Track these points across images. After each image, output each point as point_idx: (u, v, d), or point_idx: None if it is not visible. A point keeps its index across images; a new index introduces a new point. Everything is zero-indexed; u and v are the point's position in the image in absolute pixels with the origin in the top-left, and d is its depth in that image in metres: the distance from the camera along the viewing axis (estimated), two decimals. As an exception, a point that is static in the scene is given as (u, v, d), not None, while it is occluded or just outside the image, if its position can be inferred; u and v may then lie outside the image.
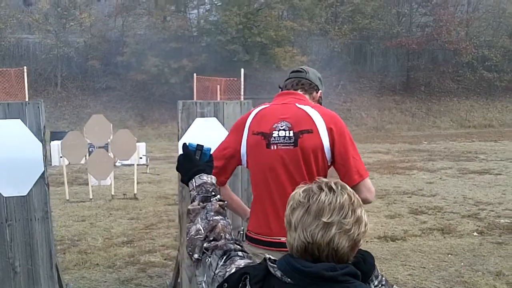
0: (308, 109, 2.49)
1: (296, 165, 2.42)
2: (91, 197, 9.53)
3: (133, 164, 10.49)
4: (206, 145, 2.08)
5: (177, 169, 2.03)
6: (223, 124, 4.22)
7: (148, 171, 13.15)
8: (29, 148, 3.94)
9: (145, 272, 5.55)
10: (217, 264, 1.56)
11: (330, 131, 2.44)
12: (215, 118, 4.21)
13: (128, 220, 7.98)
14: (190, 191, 1.88)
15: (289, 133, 2.44)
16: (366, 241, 1.73)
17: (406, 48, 30.50)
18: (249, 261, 1.55)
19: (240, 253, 1.60)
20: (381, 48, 32.18)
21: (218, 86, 14.94)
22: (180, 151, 4.24)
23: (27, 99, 13.38)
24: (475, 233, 6.86)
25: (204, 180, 1.88)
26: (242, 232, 2.79)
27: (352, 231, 1.34)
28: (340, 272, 1.30)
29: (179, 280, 4.50)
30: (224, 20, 26.11)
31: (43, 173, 3.98)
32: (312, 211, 1.34)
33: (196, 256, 1.64)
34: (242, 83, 14.58)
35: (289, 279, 1.33)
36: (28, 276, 4.02)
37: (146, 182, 11.72)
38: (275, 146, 2.45)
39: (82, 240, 6.85)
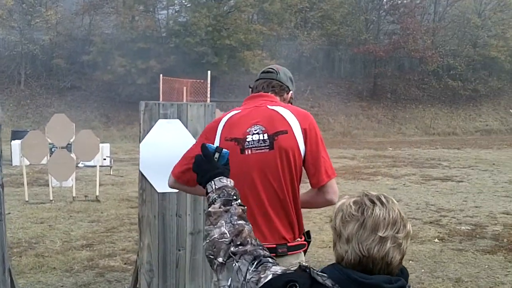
0: (280, 109, 2.45)
1: (273, 168, 2.37)
2: (51, 198, 9.30)
3: (96, 166, 10.27)
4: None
5: (194, 169, 1.99)
6: (186, 126, 4.14)
7: (111, 173, 12.93)
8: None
9: (103, 277, 5.41)
10: (247, 270, 1.54)
11: (304, 130, 2.41)
12: (178, 120, 4.13)
13: (88, 223, 7.80)
14: (208, 193, 1.85)
15: (264, 136, 2.39)
16: (264, 250, 1.75)
17: (373, 55, 30.86)
18: (284, 267, 1.53)
19: (270, 260, 1.59)
20: (349, 54, 32.51)
21: (185, 88, 14.81)
22: (142, 153, 4.16)
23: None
24: (436, 240, 6.93)
25: (225, 183, 1.85)
26: None
27: (403, 245, 1.40)
28: (395, 285, 1.37)
29: (138, 286, 4.39)
30: (193, 21, 25.91)
31: (-4, 174, 3.83)
32: (368, 226, 1.38)
33: (220, 259, 1.62)
34: (209, 85, 14.48)
35: None
36: (-21, 281, 3.86)
37: (109, 184, 11.52)
38: (249, 151, 2.40)
39: (40, 243, 6.66)
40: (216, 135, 2.51)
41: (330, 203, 2.59)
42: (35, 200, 9.38)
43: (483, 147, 21.33)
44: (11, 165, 13.89)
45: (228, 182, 1.88)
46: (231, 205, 1.76)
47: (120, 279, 5.36)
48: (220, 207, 1.75)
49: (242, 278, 1.53)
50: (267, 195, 2.40)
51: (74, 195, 9.56)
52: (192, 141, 4.11)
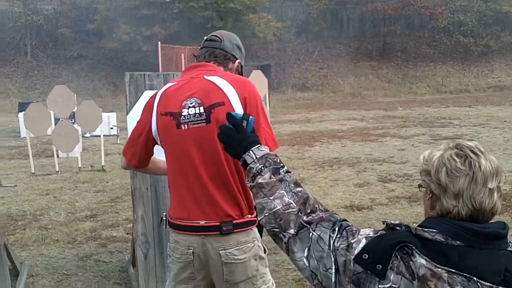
0: (216, 79, 2.29)
1: (211, 143, 2.22)
2: (57, 169, 9.32)
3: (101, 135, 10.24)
4: None
5: (222, 141, 1.83)
6: (176, 96, 4.05)
7: (118, 142, 12.92)
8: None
9: (105, 248, 5.43)
10: (330, 237, 1.46)
11: (243, 100, 2.25)
12: (166, 90, 4.03)
13: (93, 194, 7.83)
14: (249, 163, 1.70)
15: (200, 110, 2.25)
16: (336, 214, 1.67)
17: (382, 14, 30.28)
18: (373, 229, 1.47)
19: (350, 223, 1.53)
20: (357, 13, 31.91)
21: (183, 55, 14.61)
22: (130, 126, 4.08)
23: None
24: (442, 201, 6.84)
25: (265, 151, 1.73)
26: (164, 218, 2.63)
27: (503, 193, 1.42)
28: (506, 230, 1.38)
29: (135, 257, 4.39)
30: (197, -15, 25.54)
31: (-15, 150, 3.79)
32: (479, 180, 1.36)
33: (292, 231, 1.53)
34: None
35: (458, 242, 1.33)
36: (-25, 257, 3.87)
37: (116, 153, 11.51)
38: (185, 126, 2.27)
39: (45, 214, 6.68)
40: (153, 110, 2.37)
41: None
42: (41, 171, 9.42)
43: (495, 104, 20.99)
44: (20, 137, 13.95)
45: (267, 149, 1.76)
46: (281, 173, 1.66)
47: (122, 249, 5.37)
48: (271, 177, 1.64)
49: (326, 247, 1.46)
50: (207, 171, 2.27)
51: (80, 165, 9.58)
52: (183, 110, 4.03)
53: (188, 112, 2.27)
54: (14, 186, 8.30)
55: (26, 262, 4.88)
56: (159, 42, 18.07)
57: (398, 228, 1.43)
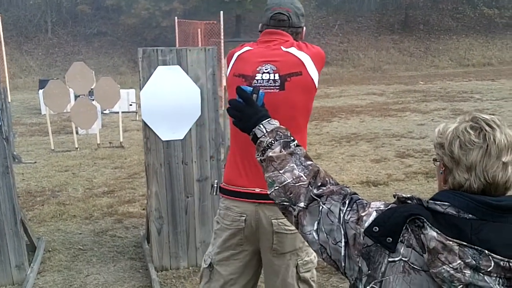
0: (294, 51, 2.34)
1: (281, 110, 2.24)
2: (76, 146, 9.42)
3: (121, 112, 10.29)
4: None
5: (232, 115, 1.87)
6: (187, 72, 4.04)
7: (137, 119, 12.99)
8: (-16, 102, 3.78)
9: (121, 223, 5.50)
10: (340, 210, 1.48)
11: (319, 69, 2.35)
12: (178, 66, 4.03)
13: (111, 170, 7.91)
14: (259, 137, 1.74)
15: (274, 76, 2.29)
16: (347, 187, 1.69)
17: (404, -15, 29.67)
18: (384, 202, 1.47)
19: (360, 197, 1.53)
20: (379, -15, 31.32)
21: (199, 30, 14.50)
22: (143, 102, 4.09)
23: (3, 49, 13.04)
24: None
25: (276, 125, 1.75)
26: (216, 186, 2.69)
27: None
28: None
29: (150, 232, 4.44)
30: (216, -41, 25.24)
31: (0, 127, 3.84)
32: (493, 153, 1.34)
33: (302, 204, 1.55)
34: (222, 26, 14.13)
35: (470, 215, 1.32)
36: (-8, 232, 3.95)
37: (135, 129, 11.60)
38: None
39: (63, 191, 6.78)
40: (228, 68, 2.45)
41: None
42: (61, 148, 9.53)
43: (519, 77, 20.57)
44: (40, 114, 14.09)
45: (277, 123, 1.78)
46: (291, 146, 1.68)
47: (138, 225, 5.43)
48: (281, 151, 1.66)
49: (336, 220, 1.47)
50: None
51: (98, 142, 9.67)
52: (194, 86, 4.03)
53: (262, 77, 2.31)
54: (34, 163, 8.42)
55: (43, 237, 4.98)
56: (175, 18, 17.98)
57: (409, 201, 1.42)
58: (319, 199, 1.53)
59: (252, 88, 1.88)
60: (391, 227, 1.36)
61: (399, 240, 1.35)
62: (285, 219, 2.26)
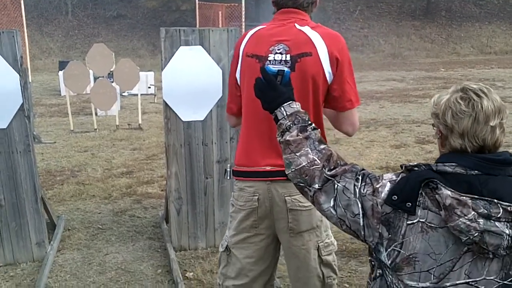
0: (308, 30, 2.28)
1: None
2: (95, 127, 9.48)
3: (140, 94, 10.31)
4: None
5: (258, 95, 1.95)
6: (209, 53, 4.01)
7: (155, 101, 13.01)
8: (6, 80, 3.79)
9: (140, 203, 5.52)
10: (355, 185, 1.61)
11: (331, 53, 2.25)
12: (200, 47, 4.00)
13: (130, 151, 7.94)
14: (279, 119, 1.84)
15: (286, 57, 2.25)
16: (357, 165, 1.71)
17: (427, -30, 29.19)
18: (394, 173, 1.62)
19: (369, 171, 1.68)
20: (401, -30, 30.84)
21: (220, 12, 14.42)
22: (165, 82, 4.08)
23: (25, 31, 13.06)
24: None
25: (296, 109, 1.85)
26: (229, 170, 2.68)
27: (505, 128, 1.56)
28: None
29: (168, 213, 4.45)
30: None
31: (21, 105, 3.85)
32: (481, 119, 1.51)
33: (316, 186, 1.68)
34: (243, 8, 14.03)
35: (476, 171, 1.50)
36: (13, 209, 3.99)
37: (153, 112, 11.63)
38: None
39: (82, 171, 6.83)
40: (239, 51, 2.39)
41: (344, 133, 2.46)
42: (80, 129, 9.59)
43: (543, 65, 20.19)
44: (60, 95, 14.19)
45: (298, 106, 1.86)
46: (308, 131, 1.77)
47: (156, 205, 5.45)
48: (298, 135, 1.76)
49: (352, 195, 1.60)
50: None
51: (117, 123, 9.71)
52: (216, 67, 4.00)
53: (274, 57, 2.27)
54: (53, 143, 8.49)
55: (62, 216, 5.02)
56: (196, 0, 17.92)
57: (416, 168, 1.56)
58: (333, 179, 1.66)
59: (277, 70, 1.90)
60: (409, 193, 1.50)
61: (417, 203, 1.50)
62: (299, 195, 2.29)
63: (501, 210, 1.44)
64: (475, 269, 1.49)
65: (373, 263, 1.66)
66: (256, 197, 2.35)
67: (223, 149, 4.19)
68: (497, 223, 1.43)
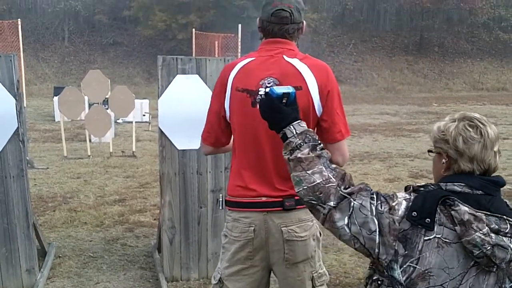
0: (296, 62, 2.28)
1: None
2: (89, 154, 9.44)
3: (135, 122, 10.32)
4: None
5: (265, 118, 1.97)
6: (205, 82, 4.03)
7: (150, 129, 13.02)
8: (2, 104, 3.79)
9: (132, 232, 5.46)
10: (371, 203, 1.66)
11: (321, 86, 2.26)
12: (197, 76, 4.02)
13: (123, 178, 7.90)
14: (289, 137, 1.86)
15: None
16: (368, 185, 1.74)
17: (420, 7, 29.70)
18: (405, 192, 1.72)
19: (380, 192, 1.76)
20: (395, 6, 31.40)
21: (216, 43, 14.59)
22: (161, 110, 4.08)
23: (21, 56, 13.10)
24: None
25: (305, 128, 1.88)
26: (221, 200, 2.66)
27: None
28: (503, 180, 1.71)
29: (161, 242, 4.40)
30: (233, -26, 25.44)
31: (17, 130, 3.84)
32: (488, 145, 1.65)
33: (332, 203, 1.70)
34: (240, 39, 14.19)
35: (480, 191, 1.63)
36: (4, 235, 3.93)
37: (147, 140, 11.63)
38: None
39: (74, 197, 6.77)
40: (227, 87, 2.34)
41: (335, 164, 2.46)
42: (73, 155, 9.55)
43: (534, 103, 20.43)
44: (54, 121, 14.17)
45: (305, 125, 1.90)
46: (318, 149, 1.81)
47: (148, 234, 5.39)
48: (309, 153, 1.79)
49: (369, 213, 1.65)
50: (272, 149, 2.27)
51: (111, 150, 9.68)
52: (212, 97, 4.00)
53: (265, 91, 2.24)
54: (46, 168, 8.44)
55: (53, 243, 4.95)
56: (193, 29, 18.09)
57: (422, 189, 1.68)
58: (349, 197, 1.69)
59: (282, 93, 1.92)
60: (427, 210, 1.60)
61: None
62: (295, 226, 2.31)
63: (509, 226, 1.58)
64: (477, 282, 1.60)
65: (379, 282, 1.69)
66: (252, 227, 2.33)
67: (217, 179, 4.17)
68: (504, 238, 1.57)
